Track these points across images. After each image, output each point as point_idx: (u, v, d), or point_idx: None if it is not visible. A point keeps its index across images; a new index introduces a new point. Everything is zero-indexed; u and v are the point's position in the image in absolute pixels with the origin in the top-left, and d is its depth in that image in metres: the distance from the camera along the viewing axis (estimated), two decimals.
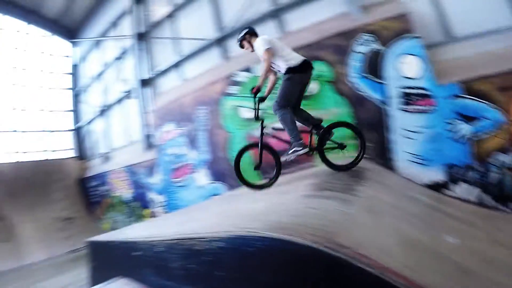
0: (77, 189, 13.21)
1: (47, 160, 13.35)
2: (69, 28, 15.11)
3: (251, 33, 4.49)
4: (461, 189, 4.71)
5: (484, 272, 2.32)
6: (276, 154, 4.67)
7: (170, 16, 9.70)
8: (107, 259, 3.32)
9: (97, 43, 13.39)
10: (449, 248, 2.52)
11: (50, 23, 14.68)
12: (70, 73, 15.15)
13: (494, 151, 4.56)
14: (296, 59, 4.11)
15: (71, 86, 15.01)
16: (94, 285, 3.17)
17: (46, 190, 12.13)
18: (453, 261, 2.22)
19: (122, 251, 2.89)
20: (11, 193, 11.23)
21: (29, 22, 13.92)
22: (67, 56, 15.32)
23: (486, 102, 4.61)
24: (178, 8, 9.44)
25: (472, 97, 4.69)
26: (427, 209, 3.81)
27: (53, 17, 14.66)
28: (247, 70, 6.77)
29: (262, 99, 4.31)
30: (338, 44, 5.78)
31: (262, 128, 4.48)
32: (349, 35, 5.70)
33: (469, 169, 4.70)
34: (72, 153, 14.32)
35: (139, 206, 9.82)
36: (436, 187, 4.85)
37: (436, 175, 4.88)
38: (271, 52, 4.06)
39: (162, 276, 2.22)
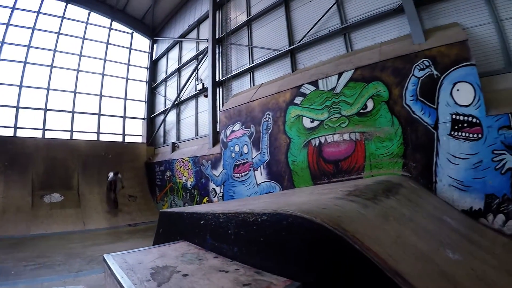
0: (144, 172, 15.22)
1: (120, 142, 15.67)
2: (150, 27, 17.43)
3: None
4: (497, 220, 4.93)
5: (471, 286, 2.61)
6: None
7: (247, 24, 11.09)
8: (172, 226, 4.18)
9: (176, 43, 15.31)
10: (444, 260, 2.91)
11: (133, 21, 17.19)
12: (148, 68, 17.41)
13: None
14: None
15: (147, 79, 17.25)
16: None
17: (116, 168, 13.88)
18: (441, 269, 2.62)
19: (189, 220, 3.74)
20: (85, 167, 13.39)
21: (113, 19, 16.43)
22: (147, 52, 17.61)
23: None
24: (255, 18, 10.79)
25: None
26: (445, 229, 4.14)
27: (136, 16, 17.07)
28: (314, 83, 7.61)
29: None
30: (396, 67, 6.35)
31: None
32: (408, 58, 6.22)
33: (508, 202, 4.87)
34: (143, 139, 16.50)
35: (198, 194, 11.21)
36: (472, 214, 5.12)
37: (474, 202, 5.15)
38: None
39: (219, 240, 3.04)
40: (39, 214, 10.94)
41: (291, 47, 9.32)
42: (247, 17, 11.04)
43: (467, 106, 5.46)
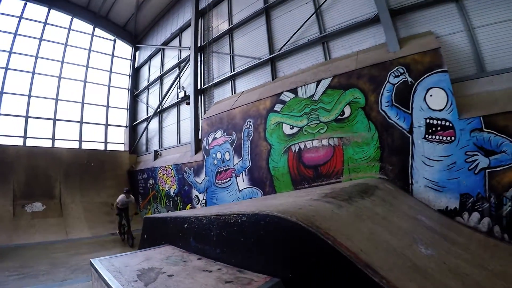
0: (127, 180, 15.02)
1: (102, 150, 15.47)
2: (132, 34, 17.42)
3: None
4: (472, 218, 5.22)
5: (441, 278, 2.77)
6: None
7: (229, 33, 11.26)
8: (157, 231, 4.32)
9: (159, 51, 15.34)
10: (416, 255, 3.09)
11: (116, 28, 17.13)
12: (130, 75, 17.34)
13: (510, 185, 4.97)
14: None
15: (129, 87, 17.17)
16: None
17: (98, 177, 13.87)
18: (413, 263, 2.79)
19: (173, 224, 3.89)
20: (67, 176, 13.17)
21: (96, 25, 16.34)
22: (129, 59, 17.56)
23: (507, 137, 5.08)
24: (236, 27, 10.98)
25: (492, 131, 5.22)
26: (419, 227, 4.34)
27: (119, 23, 17.05)
28: (293, 91, 7.82)
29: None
30: (372, 74, 6.65)
31: None
32: (383, 66, 6.53)
33: (482, 200, 5.18)
34: (125, 147, 16.35)
35: (181, 201, 11.20)
36: (447, 213, 5.41)
37: (450, 202, 5.45)
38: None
39: (202, 242, 3.19)
40: (20, 223, 10.74)
41: (271, 56, 9.53)
42: (229, 26, 11.23)
43: (440, 110, 5.79)
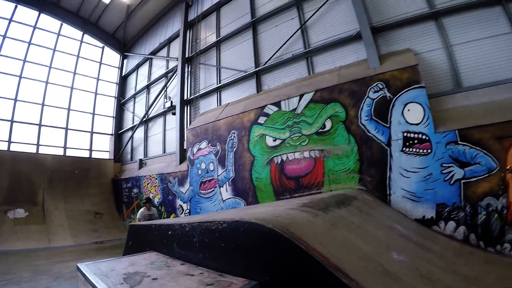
0: (111, 188, 14.92)
1: (87, 158, 15.32)
2: (121, 42, 17.49)
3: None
4: (448, 227, 5.45)
5: (412, 282, 2.93)
6: None
7: (216, 45, 11.49)
8: (141, 238, 4.36)
9: (146, 60, 15.46)
10: (388, 261, 3.28)
11: (105, 35, 17.17)
12: (117, 83, 17.34)
13: (484, 195, 5.27)
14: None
15: (116, 95, 17.14)
16: None
17: (82, 185, 13.67)
18: (384, 268, 2.95)
19: (157, 231, 3.96)
20: (51, 182, 12.92)
21: (85, 31, 16.34)
22: (116, 67, 17.58)
23: (481, 149, 5.40)
24: (224, 40, 11.23)
25: (467, 144, 5.53)
26: (394, 235, 4.58)
27: (108, 30, 17.10)
28: (277, 104, 8.05)
29: None
30: (353, 89, 6.93)
31: None
32: (363, 82, 6.82)
33: (458, 209, 5.43)
34: (110, 155, 16.23)
35: (165, 210, 11.17)
36: (424, 222, 5.63)
37: (427, 211, 5.68)
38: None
39: (185, 248, 3.29)
40: (2, 230, 10.50)
41: (256, 69, 9.77)
42: (217, 38, 11.46)
43: (417, 124, 6.08)
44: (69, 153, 14.77)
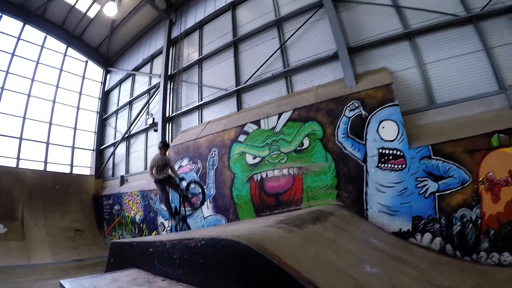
0: (92, 205, 14.58)
1: (68, 173, 14.97)
2: (105, 57, 17.46)
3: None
4: (425, 238, 5.66)
5: None
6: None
7: (198, 63, 11.68)
8: (123, 255, 4.39)
9: (129, 75, 15.48)
10: (361, 273, 3.38)
11: (88, 49, 17.08)
12: (99, 98, 17.21)
13: (458, 206, 5.54)
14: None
15: (98, 110, 17.00)
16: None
17: (62, 201, 13.32)
18: (357, 281, 3.06)
19: (139, 248, 4.04)
20: (31, 198, 12.52)
21: (69, 45, 16.22)
22: (99, 82, 17.48)
23: (453, 162, 5.69)
24: (206, 58, 11.43)
25: (440, 158, 5.81)
26: (369, 249, 4.70)
27: (92, 44, 17.05)
28: (256, 122, 8.22)
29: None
30: (330, 108, 7.17)
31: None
32: (340, 100, 7.08)
33: (434, 221, 5.67)
34: (91, 171, 15.96)
35: (146, 228, 11.07)
36: (401, 235, 5.83)
37: (403, 224, 5.89)
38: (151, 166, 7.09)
39: (165, 265, 3.38)
40: None
41: (237, 88, 9.97)
42: (199, 56, 11.65)
43: (391, 141, 6.34)
44: (50, 168, 14.42)
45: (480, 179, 5.51)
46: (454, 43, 7.02)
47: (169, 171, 7.30)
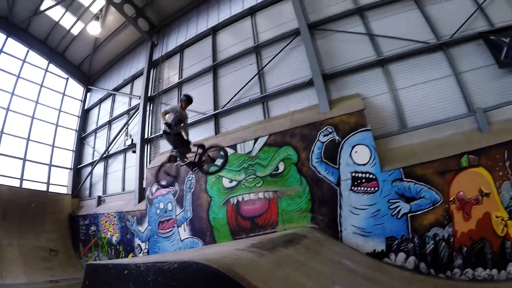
0: (68, 225, 14.06)
1: (44, 191, 14.43)
2: (86, 75, 17.33)
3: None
4: (399, 258, 5.89)
5: None
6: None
7: (178, 86, 11.83)
8: (98, 277, 4.30)
9: (110, 95, 15.41)
10: None
11: (70, 66, 16.87)
12: (79, 116, 16.98)
13: (430, 226, 5.82)
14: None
15: (77, 128, 16.75)
16: None
17: (38, 220, 12.89)
18: None
19: (114, 271, 3.97)
20: (5, 215, 12.02)
21: (51, 61, 15.97)
22: (79, 100, 17.25)
23: (425, 184, 6.02)
24: (186, 81, 11.60)
25: (412, 180, 6.13)
26: (341, 270, 4.86)
27: (74, 62, 16.91)
28: (233, 147, 8.39)
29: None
30: (304, 133, 7.45)
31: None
32: (314, 126, 7.37)
33: (407, 241, 5.91)
34: (68, 190, 15.51)
35: (123, 249, 10.85)
36: (376, 255, 6.04)
37: (377, 245, 6.10)
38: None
39: (140, 287, 3.37)
40: None
41: (215, 112, 10.14)
42: (179, 79, 11.82)
43: (364, 164, 6.63)
44: (26, 185, 13.92)
45: (451, 199, 5.86)
46: (425, 69, 7.48)
47: (182, 130, 6.66)
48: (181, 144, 6.50)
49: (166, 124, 6.34)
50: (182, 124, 6.55)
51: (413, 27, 7.93)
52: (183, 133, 6.61)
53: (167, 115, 6.42)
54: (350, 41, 8.58)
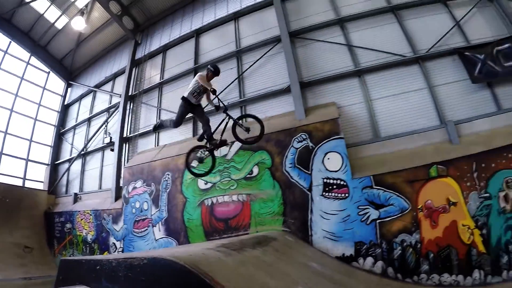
0: (43, 221, 13.84)
1: (20, 186, 14.16)
2: (68, 70, 17.06)
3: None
4: (367, 262, 6.17)
5: None
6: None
7: (159, 86, 11.87)
8: (72, 273, 4.39)
9: (91, 92, 15.26)
10: None
11: (52, 60, 16.57)
12: (58, 111, 16.72)
13: (398, 232, 6.13)
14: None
15: (56, 124, 16.49)
16: None
17: (12, 215, 12.69)
18: None
19: (87, 266, 4.10)
20: None
21: (33, 53, 15.66)
22: (60, 95, 16.98)
23: (394, 192, 6.33)
24: (167, 82, 11.67)
25: (381, 188, 6.43)
26: (307, 272, 5.04)
27: (56, 56, 16.63)
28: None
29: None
30: (279, 139, 7.66)
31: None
32: (288, 132, 7.60)
33: (375, 246, 6.20)
34: (44, 186, 15.26)
35: (98, 248, 10.82)
36: (345, 259, 6.30)
37: (346, 249, 6.36)
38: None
39: (112, 282, 3.50)
40: None
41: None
42: (160, 80, 11.86)
43: (336, 171, 6.89)
44: (1, 179, 13.54)
45: (419, 207, 6.18)
46: (400, 81, 7.85)
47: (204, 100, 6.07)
48: (200, 117, 6.10)
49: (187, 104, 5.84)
50: (203, 96, 5.96)
51: (392, 40, 8.33)
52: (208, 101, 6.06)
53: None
54: (329, 50, 8.89)
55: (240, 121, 5.98)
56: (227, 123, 5.98)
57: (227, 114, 5.86)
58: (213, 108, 5.98)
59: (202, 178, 8.15)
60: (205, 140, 6.14)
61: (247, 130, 5.80)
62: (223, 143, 6.15)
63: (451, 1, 8.35)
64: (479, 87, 7.33)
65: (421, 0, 8.47)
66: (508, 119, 6.85)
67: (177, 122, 6.03)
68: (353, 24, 8.98)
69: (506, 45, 7.32)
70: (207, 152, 6.32)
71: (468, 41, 7.80)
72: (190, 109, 5.96)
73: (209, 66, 5.78)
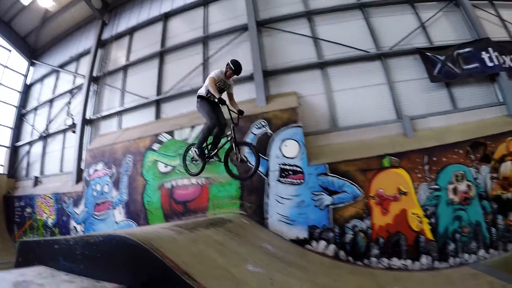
0: (2, 206, 13.42)
1: None
2: (31, 48, 16.33)
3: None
4: (320, 245, 6.54)
5: (257, 287, 3.65)
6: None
7: (124, 69, 11.70)
8: (31, 254, 4.39)
9: (54, 72, 14.78)
10: (241, 271, 3.96)
11: (15, 37, 15.75)
12: (20, 91, 16.10)
13: (350, 218, 6.55)
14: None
15: (17, 104, 15.89)
16: None
17: None
18: (234, 276, 3.63)
19: (45, 246, 4.18)
20: None
21: None
22: (22, 74, 16.32)
23: (347, 179, 6.73)
24: (132, 64, 11.51)
25: (336, 175, 6.80)
26: (258, 252, 5.29)
27: (20, 33, 15.84)
28: (170, 133, 8.62)
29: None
30: (240, 125, 7.74)
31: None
32: (249, 118, 7.74)
33: (328, 230, 6.59)
34: (4, 170, 14.74)
35: (59, 232, 10.73)
36: (299, 242, 6.64)
37: (300, 233, 6.71)
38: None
39: (69, 261, 3.60)
40: None
41: (158, 97, 10.23)
42: (126, 62, 11.67)
43: (292, 158, 7.19)
44: None
45: (371, 195, 6.62)
46: (361, 75, 8.22)
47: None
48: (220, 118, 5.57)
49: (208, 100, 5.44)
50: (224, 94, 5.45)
51: (357, 36, 8.66)
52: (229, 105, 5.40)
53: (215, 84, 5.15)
54: (295, 41, 9.10)
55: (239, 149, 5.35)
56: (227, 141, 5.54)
57: (232, 132, 5.43)
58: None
59: (163, 162, 8.36)
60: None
61: (242, 161, 5.23)
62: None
63: (418, 3, 8.80)
64: (437, 86, 7.88)
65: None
66: (463, 117, 7.47)
67: (213, 124, 5.50)
68: (321, 17, 9.23)
69: (467, 49, 7.91)
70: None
71: (431, 42, 8.32)
72: (212, 106, 5.49)
73: (229, 62, 5.11)
